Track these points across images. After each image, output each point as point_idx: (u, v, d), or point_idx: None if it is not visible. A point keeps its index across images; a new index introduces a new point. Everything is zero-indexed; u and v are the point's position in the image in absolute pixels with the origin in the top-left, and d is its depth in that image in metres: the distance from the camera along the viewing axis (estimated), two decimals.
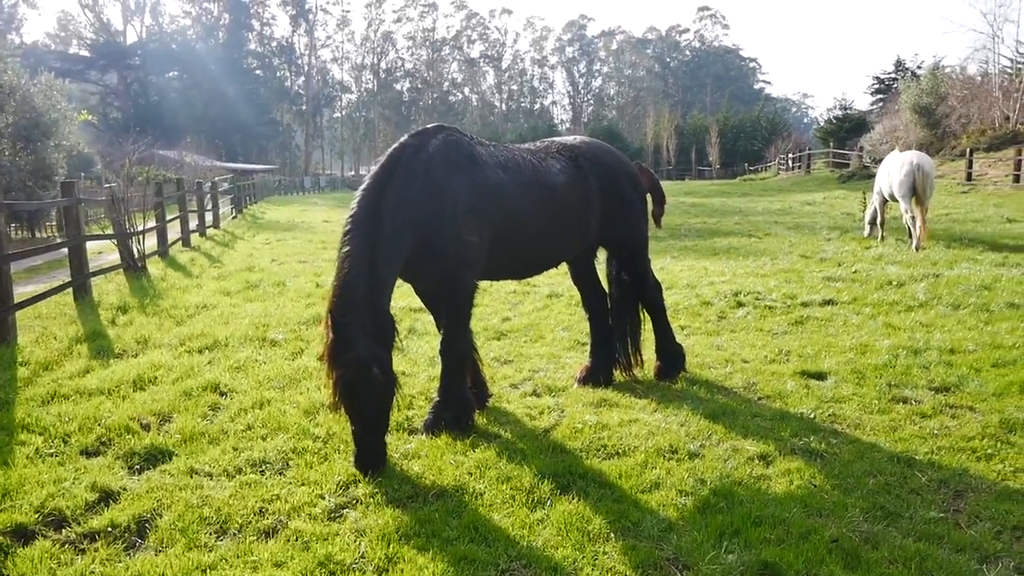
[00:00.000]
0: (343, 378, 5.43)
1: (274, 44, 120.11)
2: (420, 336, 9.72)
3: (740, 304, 11.41)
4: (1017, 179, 31.87)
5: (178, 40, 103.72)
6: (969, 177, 34.70)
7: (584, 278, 8.09)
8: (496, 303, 12.02)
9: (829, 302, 11.34)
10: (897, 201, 17.40)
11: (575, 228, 7.29)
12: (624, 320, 7.96)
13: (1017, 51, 51.56)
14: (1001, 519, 4.85)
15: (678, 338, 8.59)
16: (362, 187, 6.10)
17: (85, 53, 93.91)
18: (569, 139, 7.75)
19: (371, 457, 5.60)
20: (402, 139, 6.42)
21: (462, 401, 6.54)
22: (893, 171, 17.33)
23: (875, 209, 18.82)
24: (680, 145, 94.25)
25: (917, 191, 16.76)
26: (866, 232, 19.26)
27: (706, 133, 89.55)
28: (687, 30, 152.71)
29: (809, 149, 62.69)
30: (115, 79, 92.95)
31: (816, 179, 49.38)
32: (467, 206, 6.29)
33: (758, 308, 11.12)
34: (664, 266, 15.54)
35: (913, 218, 16.84)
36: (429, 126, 6.65)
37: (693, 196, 40.29)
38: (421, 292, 7.06)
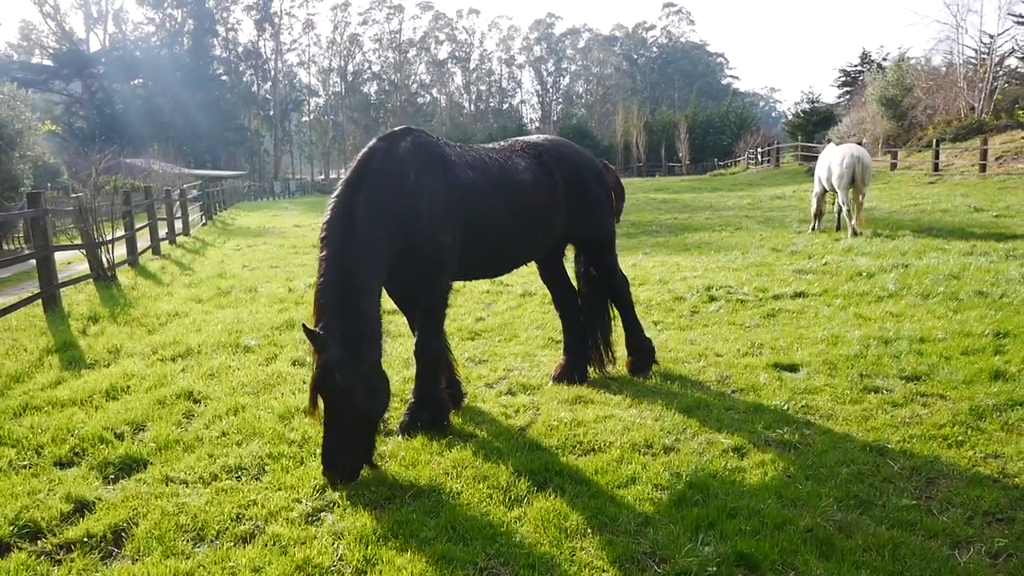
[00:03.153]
0: (313, 381, 5.42)
1: (240, 49, 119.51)
2: (394, 338, 9.67)
3: (712, 298, 11.47)
4: (983, 168, 32.23)
5: (142, 47, 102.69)
6: (936, 167, 35.04)
7: (554, 276, 8.12)
8: (470, 303, 12.02)
9: (800, 294, 11.43)
10: (836, 192, 18.25)
11: (542, 225, 7.32)
12: (595, 316, 7.99)
13: (981, 41, 52.07)
14: (973, 505, 4.91)
15: (652, 333, 8.63)
16: (335, 193, 6.05)
17: (48, 63, 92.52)
18: (534, 138, 7.78)
19: (335, 466, 5.45)
20: (371, 142, 6.39)
21: (437, 402, 6.55)
22: (833, 163, 18.14)
23: (818, 201, 19.40)
24: (650, 142, 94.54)
25: (856, 181, 17.59)
26: (812, 226, 19.75)
27: (675, 129, 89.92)
28: (653, 27, 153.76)
29: (777, 143, 63.13)
30: (79, 88, 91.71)
31: (785, 172, 49.72)
32: (441, 206, 6.31)
33: (730, 302, 11.18)
34: (637, 262, 15.61)
35: (849, 210, 17.77)
36: (397, 128, 6.64)
37: (664, 192, 40.45)
38: (395, 294, 7.05)
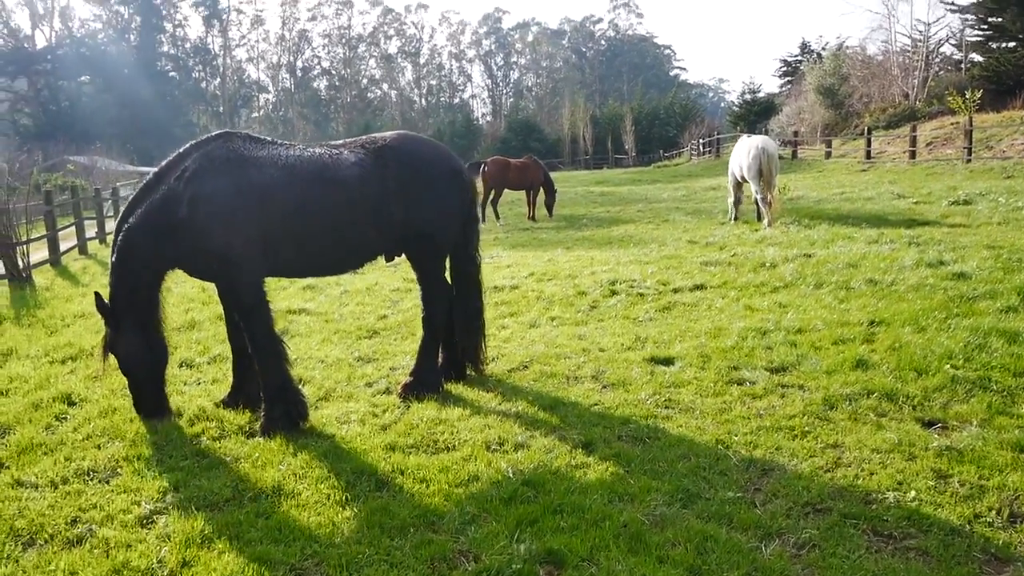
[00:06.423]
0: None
1: (188, 45, 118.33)
2: (292, 337, 9.65)
3: (614, 293, 11.50)
4: (913, 155, 32.75)
5: (88, 44, 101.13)
6: (868, 155, 35.54)
7: None
8: (376, 301, 11.97)
9: (700, 287, 11.50)
10: (748, 183, 18.63)
11: (375, 218, 7.07)
12: (463, 312, 7.88)
13: (913, 28, 53.04)
14: (795, 496, 5.01)
15: (546, 329, 8.79)
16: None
17: None
18: (383, 134, 7.61)
19: (136, 407, 7.02)
20: (180, 149, 6.80)
21: (288, 396, 6.60)
22: (742, 155, 18.54)
23: (735, 192, 19.93)
24: (596, 134, 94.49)
25: (764, 171, 17.91)
26: (731, 217, 20.10)
27: (621, 121, 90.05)
28: (601, 20, 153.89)
29: (718, 134, 63.56)
30: (25, 85, 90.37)
31: (725, 163, 49.52)
32: (226, 208, 6.47)
33: (630, 296, 11.23)
34: (553, 257, 15.68)
35: (764, 199, 18.16)
36: (211, 134, 6.92)
37: (604, 185, 40.66)
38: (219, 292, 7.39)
